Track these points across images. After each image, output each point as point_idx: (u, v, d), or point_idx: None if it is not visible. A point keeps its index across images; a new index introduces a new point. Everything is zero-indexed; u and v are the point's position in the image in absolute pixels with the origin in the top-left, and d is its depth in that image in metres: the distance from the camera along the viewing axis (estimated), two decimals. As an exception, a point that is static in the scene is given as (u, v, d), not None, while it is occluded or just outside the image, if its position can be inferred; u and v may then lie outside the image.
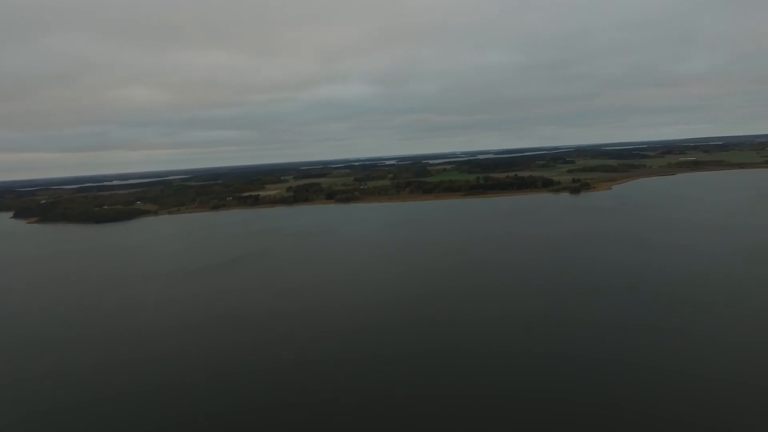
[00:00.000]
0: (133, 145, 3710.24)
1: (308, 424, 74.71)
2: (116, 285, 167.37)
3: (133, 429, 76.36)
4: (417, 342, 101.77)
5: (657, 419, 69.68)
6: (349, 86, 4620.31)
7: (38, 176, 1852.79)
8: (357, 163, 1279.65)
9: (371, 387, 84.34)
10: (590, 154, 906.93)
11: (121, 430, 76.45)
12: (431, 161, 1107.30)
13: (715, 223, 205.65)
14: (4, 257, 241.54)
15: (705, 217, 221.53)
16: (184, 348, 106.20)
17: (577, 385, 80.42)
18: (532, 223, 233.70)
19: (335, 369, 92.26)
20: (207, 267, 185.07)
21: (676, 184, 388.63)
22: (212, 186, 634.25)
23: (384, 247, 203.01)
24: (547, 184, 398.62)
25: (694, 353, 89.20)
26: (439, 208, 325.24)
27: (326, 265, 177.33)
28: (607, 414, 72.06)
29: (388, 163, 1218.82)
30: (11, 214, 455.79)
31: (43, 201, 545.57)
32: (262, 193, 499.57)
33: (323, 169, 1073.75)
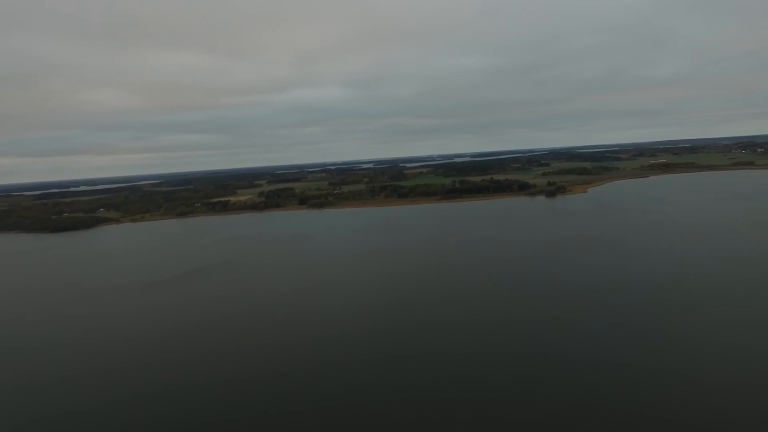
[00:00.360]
0: (102, 150, 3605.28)
1: None
2: (57, 302, 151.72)
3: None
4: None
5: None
6: (324, 89, 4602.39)
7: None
8: (333, 167, 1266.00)
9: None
10: (564, 157, 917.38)
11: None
12: (408, 165, 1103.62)
13: (697, 225, 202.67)
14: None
15: (685, 219, 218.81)
16: (125, 366, 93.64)
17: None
18: (509, 228, 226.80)
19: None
20: (160, 281, 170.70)
21: (650, 186, 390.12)
22: (181, 192, 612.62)
23: (353, 256, 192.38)
24: (524, 188, 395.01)
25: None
26: (414, 214, 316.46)
27: (290, 277, 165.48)
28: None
29: (365, 166, 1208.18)
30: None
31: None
32: (233, 199, 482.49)
33: (298, 173, 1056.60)
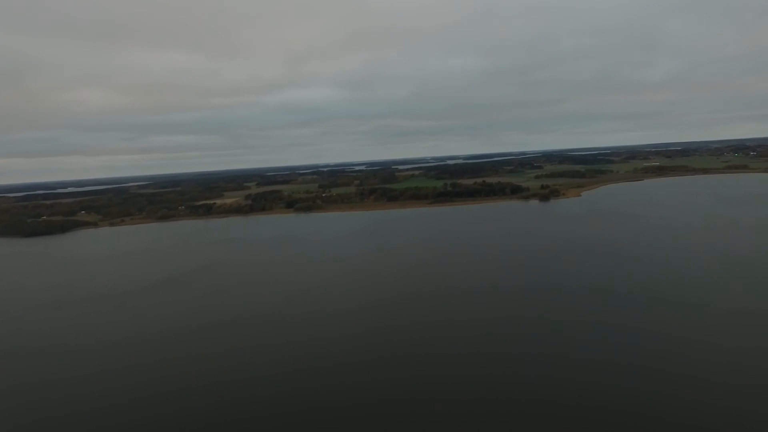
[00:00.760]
0: (92, 151, 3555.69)
1: None
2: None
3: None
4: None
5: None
6: (316, 90, 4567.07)
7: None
8: (325, 169, 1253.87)
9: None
10: (557, 159, 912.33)
11: None
12: (400, 167, 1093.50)
13: (695, 230, 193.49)
14: None
15: (683, 225, 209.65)
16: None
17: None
18: (502, 233, 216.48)
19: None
20: (129, 290, 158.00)
21: (645, 189, 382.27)
22: (166, 194, 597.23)
23: (328, 264, 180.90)
24: (516, 191, 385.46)
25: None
26: (403, 218, 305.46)
27: (257, 292, 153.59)
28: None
29: (357, 168, 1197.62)
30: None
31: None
32: (218, 202, 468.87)
33: (289, 175, 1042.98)
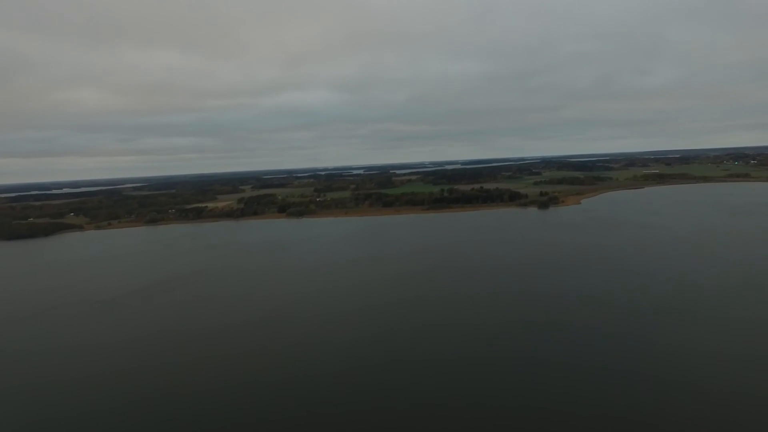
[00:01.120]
0: (88, 152, 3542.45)
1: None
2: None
3: None
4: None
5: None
6: (314, 93, 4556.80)
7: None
8: (323, 173, 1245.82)
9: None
10: (555, 166, 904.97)
11: None
12: (399, 171, 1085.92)
13: (701, 242, 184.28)
14: None
15: (687, 236, 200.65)
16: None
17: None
18: (498, 242, 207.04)
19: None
20: (106, 299, 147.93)
21: (646, 197, 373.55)
22: (158, 197, 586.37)
23: (316, 276, 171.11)
24: (514, 198, 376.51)
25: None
26: (397, 225, 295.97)
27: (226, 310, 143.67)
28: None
29: (355, 172, 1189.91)
30: None
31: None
32: (210, 205, 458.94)
33: (286, 178, 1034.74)
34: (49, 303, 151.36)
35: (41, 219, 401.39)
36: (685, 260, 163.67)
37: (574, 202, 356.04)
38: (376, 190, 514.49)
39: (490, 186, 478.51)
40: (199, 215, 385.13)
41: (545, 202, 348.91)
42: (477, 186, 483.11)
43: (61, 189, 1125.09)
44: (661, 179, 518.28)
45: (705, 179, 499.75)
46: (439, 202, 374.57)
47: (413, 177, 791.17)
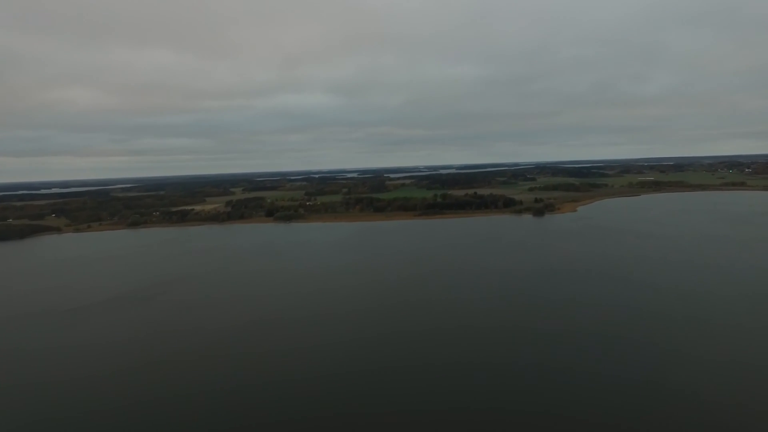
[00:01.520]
0: (81, 152, 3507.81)
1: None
2: None
3: None
4: None
5: None
6: (309, 95, 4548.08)
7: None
8: (317, 176, 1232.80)
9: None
10: (550, 172, 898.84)
11: None
12: (393, 175, 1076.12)
13: (703, 253, 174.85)
14: None
15: (689, 246, 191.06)
16: None
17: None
18: (490, 252, 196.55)
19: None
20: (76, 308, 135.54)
21: (642, 205, 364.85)
22: (145, 198, 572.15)
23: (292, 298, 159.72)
24: (509, 204, 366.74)
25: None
26: (387, 231, 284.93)
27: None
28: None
29: (349, 175, 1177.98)
30: None
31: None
32: (197, 208, 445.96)
33: (279, 180, 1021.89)
34: (9, 312, 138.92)
35: (20, 220, 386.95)
36: (690, 271, 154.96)
37: (570, 210, 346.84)
38: (367, 194, 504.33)
39: (484, 191, 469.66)
40: (183, 218, 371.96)
41: (540, 209, 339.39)
42: (471, 191, 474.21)
43: (51, 189, 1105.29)
44: (657, 187, 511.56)
45: (702, 187, 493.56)
46: (431, 208, 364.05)
47: (407, 181, 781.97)
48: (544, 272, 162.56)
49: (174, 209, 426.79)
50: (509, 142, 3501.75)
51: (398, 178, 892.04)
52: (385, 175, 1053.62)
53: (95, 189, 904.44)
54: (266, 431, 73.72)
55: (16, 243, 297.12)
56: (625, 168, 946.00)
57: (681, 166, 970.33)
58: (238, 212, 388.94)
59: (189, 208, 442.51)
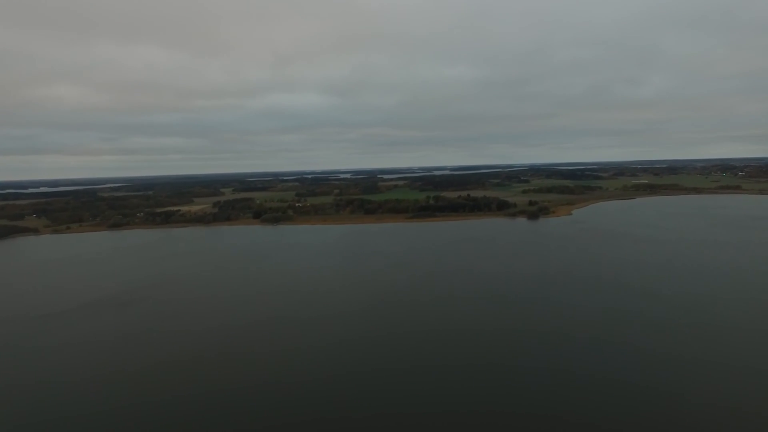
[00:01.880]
0: (71, 150, 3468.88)
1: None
2: None
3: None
4: None
5: None
6: (303, 95, 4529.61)
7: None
8: (310, 176, 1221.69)
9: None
10: (544, 174, 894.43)
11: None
12: (387, 176, 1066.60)
13: (704, 260, 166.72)
14: None
15: (689, 252, 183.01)
16: None
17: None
18: (483, 258, 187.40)
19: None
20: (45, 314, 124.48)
21: (638, 209, 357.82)
22: (131, 198, 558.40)
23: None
24: (503, 207, 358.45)
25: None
26: (378, 234, 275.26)
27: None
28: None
29: (342, 176, 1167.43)
30: None
31: None
32: (184, 209, 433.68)
33: (271, 181, 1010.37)
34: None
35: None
36: (688, 275, 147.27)
37: (565, 213, 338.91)
38: (359, 196, 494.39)
39: (477, 193, 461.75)
40: (167, 220, 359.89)
41: (535, 212, 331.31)
42: (464, 193, 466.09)
43: (38, 188, 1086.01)
44: (652, 190, 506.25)
45: (696, 190, 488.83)
46: (423, 210, 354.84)
47: (400, 182, 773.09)
48: (542, 277, 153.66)
49: (159, 210, 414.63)
50: (503, 143, 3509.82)
51: (391, 180, 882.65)
52: (379, 176, 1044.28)
53: (83, 188, 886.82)
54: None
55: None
56: (618, 170, 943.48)
57: (674, 168, 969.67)
58: (225, 214, 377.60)
59: (175, 208, 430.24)
